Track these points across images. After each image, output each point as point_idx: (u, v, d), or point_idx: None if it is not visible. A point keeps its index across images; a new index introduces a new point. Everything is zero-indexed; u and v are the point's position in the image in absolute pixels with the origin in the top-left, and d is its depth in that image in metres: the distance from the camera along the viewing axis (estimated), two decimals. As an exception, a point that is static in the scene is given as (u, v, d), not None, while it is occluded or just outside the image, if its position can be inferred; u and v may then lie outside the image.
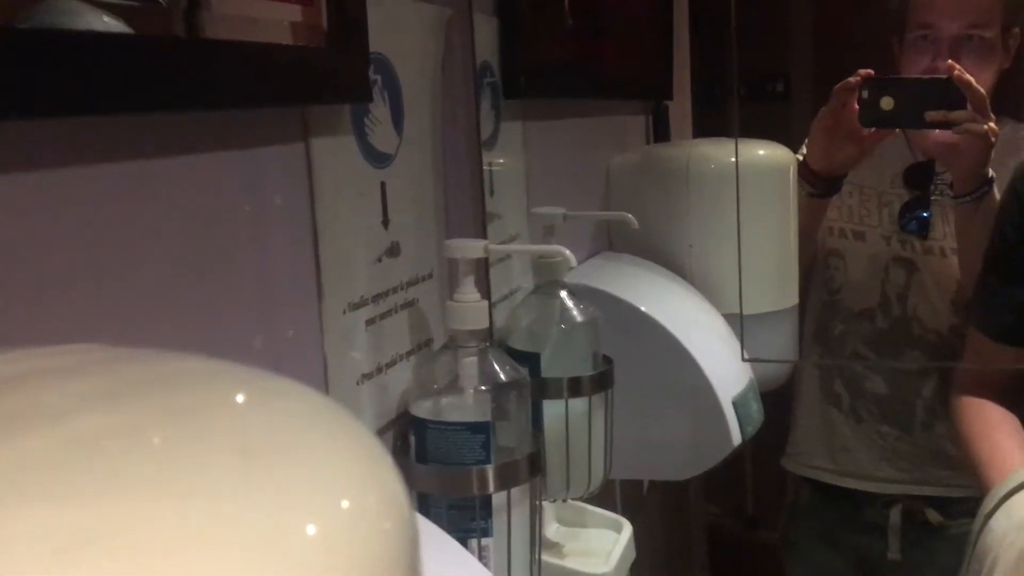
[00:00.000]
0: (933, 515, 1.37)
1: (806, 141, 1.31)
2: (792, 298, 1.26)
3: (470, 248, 0.71)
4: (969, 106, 1.18)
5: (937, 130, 1.22)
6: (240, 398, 0.24)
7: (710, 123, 2.00)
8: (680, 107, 1.65)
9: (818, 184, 1.29)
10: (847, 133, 1.26)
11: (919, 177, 1.35)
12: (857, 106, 1.24)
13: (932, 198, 1.34)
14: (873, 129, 1.25)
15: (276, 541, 0.19)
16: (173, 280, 0.50)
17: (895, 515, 1.38)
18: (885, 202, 1.37)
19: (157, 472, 0.19)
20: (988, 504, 0.71)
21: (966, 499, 1.21)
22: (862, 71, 1.25)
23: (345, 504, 0.22)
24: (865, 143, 1.27)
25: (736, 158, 1.08)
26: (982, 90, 1.19)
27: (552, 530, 0.97)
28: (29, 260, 0.42)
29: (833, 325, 1.40)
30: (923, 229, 1.34)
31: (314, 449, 0.23)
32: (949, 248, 1.34)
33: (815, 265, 1.41)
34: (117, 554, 0.17)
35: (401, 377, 0.74)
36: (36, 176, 0.42)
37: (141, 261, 0.48)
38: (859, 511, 1.41)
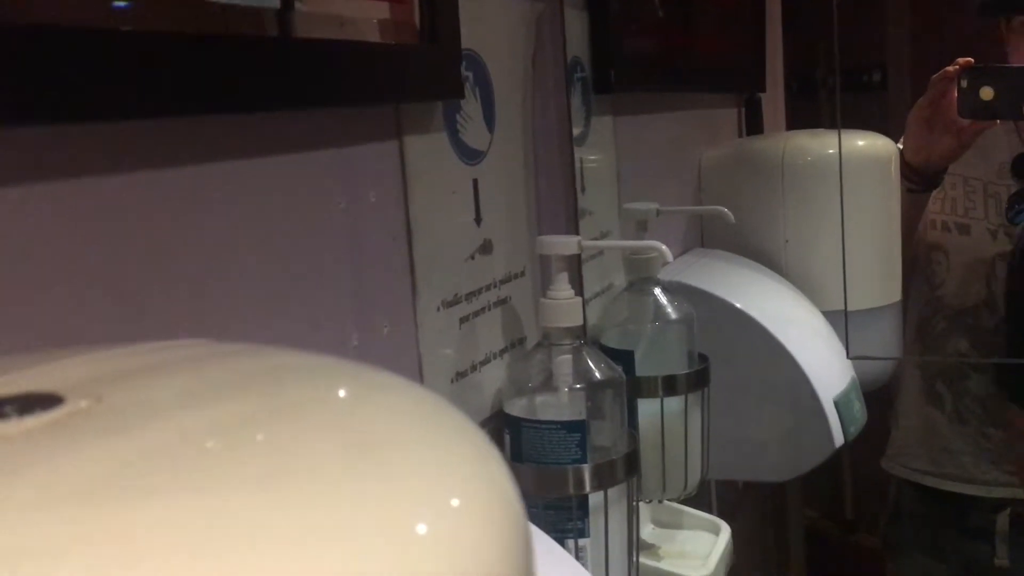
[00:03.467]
0: None
1: (904, 135, 1.26)
2: (895, 294, 1.21)
3: (563, 244, 0.70)
4: None
5: None
6: (345, 393, 0.24)
7: (804, 115, 1.94)
8: (773, 99, 1.61)
9: (916, 178, 1.23)
10: (945, 125, 1.20)
11: None
12: (956, 96, 1.18)
13: None
14: (973, 121, 1.20)
15: (384, 540, 0.19)
16: (270, 279, 0.51)
17: (1003, 520, 1.31)
18: (991, 193, 1.30)
19: (263, 469, 0.19)
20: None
21: None
22: (961, 60, 1.20)
23: (455, 502, 0.21)
24: (964, 135, 1.21)
25: (839, 148, 1.04)
26: None
27: (648, 531, 0.95)
28: (132, 260, 0.42)
29: (935, 322, 1.34)
30: None
31: (421, 445, 0.22)
32: None
33: (916, 260, 1.35)
34: (224, 551, 0.16)
35: (495, 376, 0.73)
36: (136, 176, 0.43)
37: (239, 261, 0.49)
38: (964, 515, 1.35)
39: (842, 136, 1.17)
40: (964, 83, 1.17)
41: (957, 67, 1.19)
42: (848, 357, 0.90)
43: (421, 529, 0.19)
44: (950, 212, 1.32)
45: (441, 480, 0.21)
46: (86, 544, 0.15)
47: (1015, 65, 1.21)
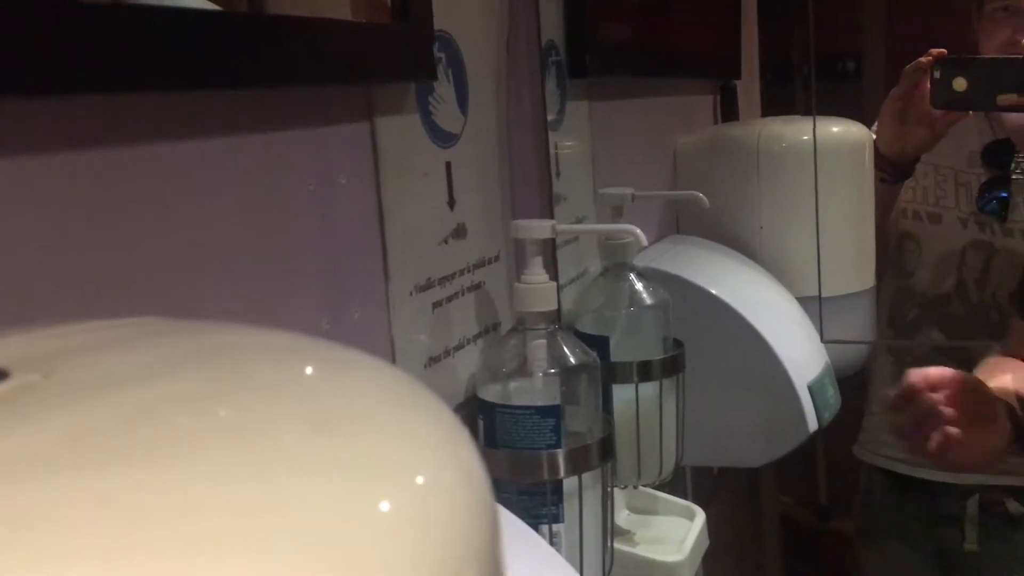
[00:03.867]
0: (1014, 505, 1.31)
1: (875, 125, 1.27)
2: (869, 280, 1.21)
3: (538, 228, 0.70)
4: None
5: (1017, 114, 1.17)
6: (310, 369, 0.23)
7: (779, 103, 1.95)
8: (748, 86, 1.61)
9: (889, 169, 1.24)
10: (918, 116, 1.21)
11: (998, 155, 1.29)
12: (928, 87, 1.19)
13: (1013, 177, 1.28)
14: (946, 111, 1.20)
15: (346, 518, 0.18)
16: (238, 259, 0.50)
17: (972, 505, 1.32)
18: (962, 182, 1.31)
19: (219, 443, 0.18)
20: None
21: None
22: (934, 51, 1.20)
23: (420, 480, 0.21)
24: (938, 126, 1.22)
25: (814, 136, 1.04)
26: None
27: (623, 517, 0.95)
28: (93, 238, 0.41)
29: (907, 311, 1.35)
30: (1002, 210, 1.28)
31: (387, 422, 0.22)
32: None
33: (888, 250, 1.35)
34: (182, 524, 0.16)
35: (468, 361, 0.73)
36: (99, 153, 0.42)
37: (205, 241, 0.48)
38: (934, 502, 1.36)
39: (818, 123, 1.18)
40: (937, 74, 1.17)
41: (930, 58, 1.19)
42: (822, 340, 0.90)
43: (384, 507, 0.19)
44: (921, 201, 1.32)
45: (405, 457, 0.21)
46: (27, 518, 0.15)
47: (988, 56, 1.22)
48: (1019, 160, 1.27)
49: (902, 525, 1.40)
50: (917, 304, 1.34)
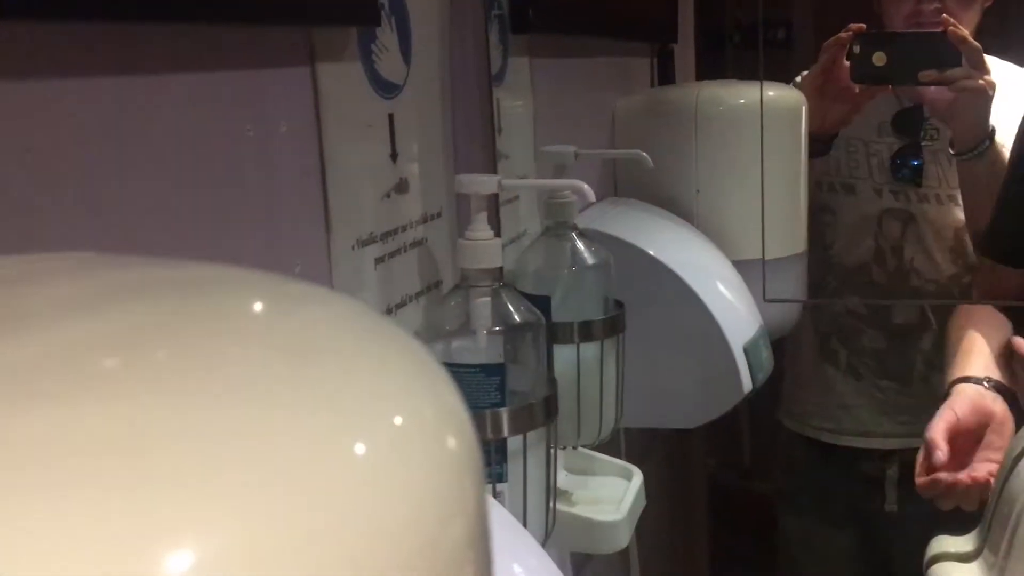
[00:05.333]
0: None
1: None
2: (801, 244, 1.23)
3: (483, 183, 0.68)
4: (964, 61, 1.15)
5: (933, 87, 1.19)
6: (268, 301, 0.21)
7: (713, 69, 1.96)
8: (684, 51, 1.61)
9: (811, 144, 1.25)
10: (839, 91, 1.23)
11: (908, 124, 1.31)
12: (848, 62, 1.20)
13: (924, 144, 1.31)
14: (865, 86, 1.22)
15: (316, 462, 0.17)
16: (171, 205, 0.47)
17: (893, 469, 1.37)
18: (873, 152, 1.33)
19: (170, 379, 0.16)
20: (1016, 446, 0.69)
21: None
22: (853, 26, 1.22)
23: (398, 420, 0.19)
24: (858, 100, 1.24)
25: (761, 99, 1.05)
26: (977, 44, 1.15)
27: (561, 478, 0.94)
28: (22, 168, 0.38)
29: (828, 281, 1.37)
30: (916, 177, 1.31)
31: (359, 358, 0.20)
32: (945, 195, 1.31)
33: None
34: (129, 458, 0.14)
35: (412, 319, 0.71)
36: (30, 84, 0.39)
37: (139, 181, 0.45)
38: (856, 466, 1.40)
39: (752, 87, 1.18)
40: (857, 49, 1.19)
41: (849, 33, 1.20)
42: (764, 299, 0.91)
43: (359, 449, 0.17)
44: (835, 173, 1.34)
45: (381, 396, 0.19)
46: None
47: (907, 31, 1.24)
48: (927, 127, 1.30)
49: (823, 487, 1.44)
50: (836, 275, 1.36)
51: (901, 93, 1.30)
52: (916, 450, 1.37)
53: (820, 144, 1.28)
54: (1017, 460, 0.68)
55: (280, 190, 0.56)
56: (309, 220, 0.59)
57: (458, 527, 0.18)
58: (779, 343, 1.41)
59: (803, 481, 1.48)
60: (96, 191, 0.42)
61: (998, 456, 0.90)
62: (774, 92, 1.21)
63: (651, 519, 1.44)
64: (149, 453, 0.15)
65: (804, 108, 1.21)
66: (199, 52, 0.49)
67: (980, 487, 0.92)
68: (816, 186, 1.34)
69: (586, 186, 0.71)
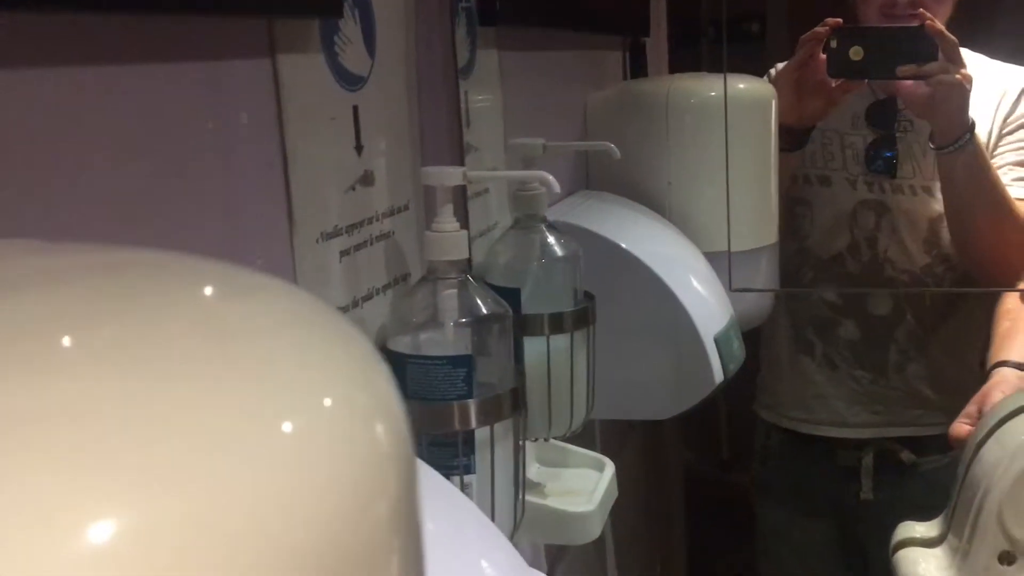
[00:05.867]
0: (907, 455, 1.37)
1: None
2: (772, 235, 1.24)
3: (448, 175, 0.68)
4: (941, 55, 1.16)
5: (910, 82, 1.20)
6: (212, 286, 0.21)
7: (685, 63, 1.96)
8: (656, 44, 1.61)
9: (787, 138, 1.26)
10: (815, 85, 1.23)
11: (882, 116, 1.32)
12: (824, 56, 1.21)
13: (897, 135, 1.32)
14: (842, 80, 1.23)
15: (244, 438, 0.17)
16: (129, 198, 0.47)
17: (868, 458, 1.38)
18: (848, 144, 1.34)
19: (104, 354, 0.16)
20: (979, 433, 0.70)
21: (938, 436, 1.21)
22: (830, 20, 1.23)
23: (327, 402, 0.19)
24: (834, 94, 1.25)
25: (725, 92, 1.05)
26: (954, 38, 1.16)
27: (533, 470, 0.95)
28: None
29: (803, 273, 1.38)
30: (890, 169, 1.32)
31: (292, 341, 0.20)
32: (919, 186, 1.32)
33: (781, 214, 1.38)
34: (52, 436, 0.14)
35: (378, 312, 0.71)
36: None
37: (95, 173, 0.44)
38: (832, 455, 1.41)
39: (722, 80, 1.19)
40: (833, 43, 1.20)
41: (826, 28, 1.21)
42: (731, 289, 0.92)
43: (286, 427, 0.17)
44: (810, 165, 1.35)
45: (312, 377, 0.19)
46: None
47: (882, 25, 1.25)
48: (901, 119, 1.31)
49: (800, 477, 1.45)
50: (812, 266, 1.37)
51: (876, 86, 1.31)
52: (891, 439, 1.39)
53: (796, 138, 1.29)
54: (979, 446, 0.68)
55: (241, 182, 0.55)
56: (271, 213, 0.58)
57: (380, 511, 0.18)
58: (755, 334, 1.42)
59: (780, 471, 1.49)
60: (52, 183, 0.42)
61: None
62: (744, 85, 1.22)
63: (627, 511, 1.44)
64: (75, 427, 0.15)
65: (774, 101, 1.21)
66: (157, 42, 0.48)
67: None
68: (791, 179, 1.34)
69: (551, 177, 0.71)
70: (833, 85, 1.24)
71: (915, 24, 1.18)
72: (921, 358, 1.35)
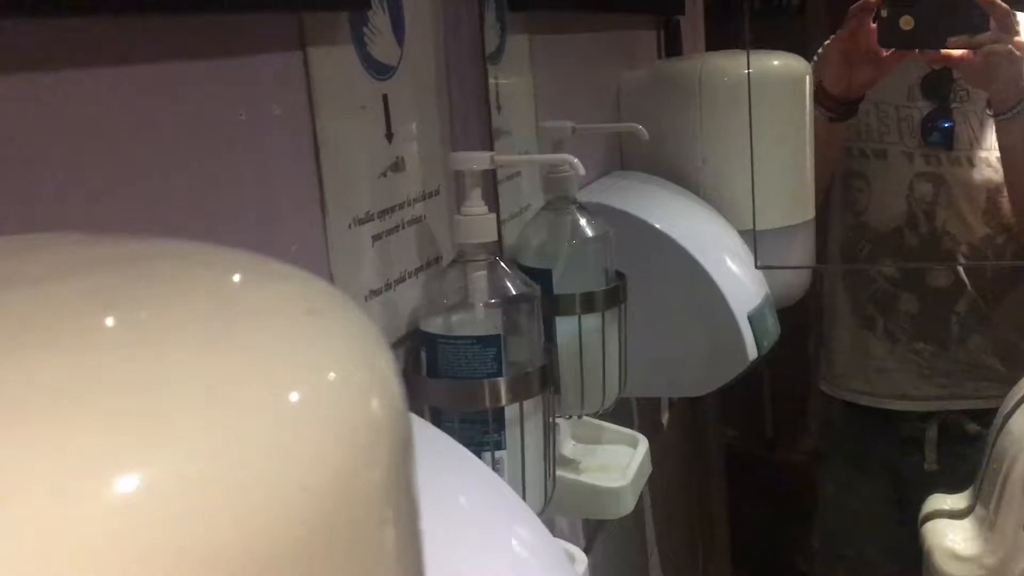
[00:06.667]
0: (972, 427, 1.36)
1: (815, 59, 1.28)
2: (807, 212, 1.24)
3: (476, 159, 0.70)
4: (993, 24, 1.15)
5: (964, 51, 1.18)
6: (227, 270, 0.23)
7: (724, 39, 1.95)
8: (692, 22, 1.61)
9: (836, 108, 1.25)
10: (865, 54, 1.23)
11: (937, 87, 1.31)
12: (875, 26, 1.20)
13: (953, 107, 1.31)
14: (892, 50, 1.22)
15: (254, 405, 0.19)
16: (169, 189, 0.49)
17: (932, 429, 1.37)
18: (903, 116, 1.33)
19: (131, 331, 0.18)
20: (1007, 404, 0.70)
21: None
22: None
23: (331, 376, 0.21)
24: (884, 64, 1.24)
25: (748, 68, 1.05)
26: (1005, 6, 1.15)
27: (569, 447, 0.97)
28: (22, 156, 0.41)
29: (861, 246, 1.38)
30: (947, 140, 1.31)
31: (303, 323, 0.22)
32: (977, 157, 1.30)
33: (834, 187, 1.38)
34: (78, 400, 0.16)
35: (411, 294, 0.73)
36: (31, 76, 0.41)
37: (136, 170, 0.47)
38: (895, 428, 1.40)
39: (757, 56, 1.18)
40: (884, 13, 1.19)
41: None
42: (756, 267, 0.92)
43: (293, 397, 0.19)
44: (866, 139, 1.34)
45: (320, 354, 0.21)
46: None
47: None
48: (958, 90, 1.30)
49: (862, 449, 1.44)
50: (869, 239, 1.37)
51: (930, 56, 1.30)
52: (954, 412, 1.37)
53: (846, 108, 1.28)
54: (1007, 417, 0.69)
55: (274, 172, 0.58)
56: (304, 200, 0.61)
57: (373, 477, 0.20)
58: (818, 310, 1.43)
59: (841, 443, 1.49)
60: (92, 179, 0.45)
61: None
62: (779, 61, 1.22)
63: (666, 488, 1.46)
64: (103, 394, 0.17)
65: (808, 77, 1.21)
66: (190, 40, 0.51)
67: None
68: (846, 152, 1.34)
69: (576, 160, 0.72)
70: (883, 55, 1.23)
71: None
72: (984, 329, 1.34)
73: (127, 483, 0.16)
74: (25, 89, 0.41)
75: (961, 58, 1.21)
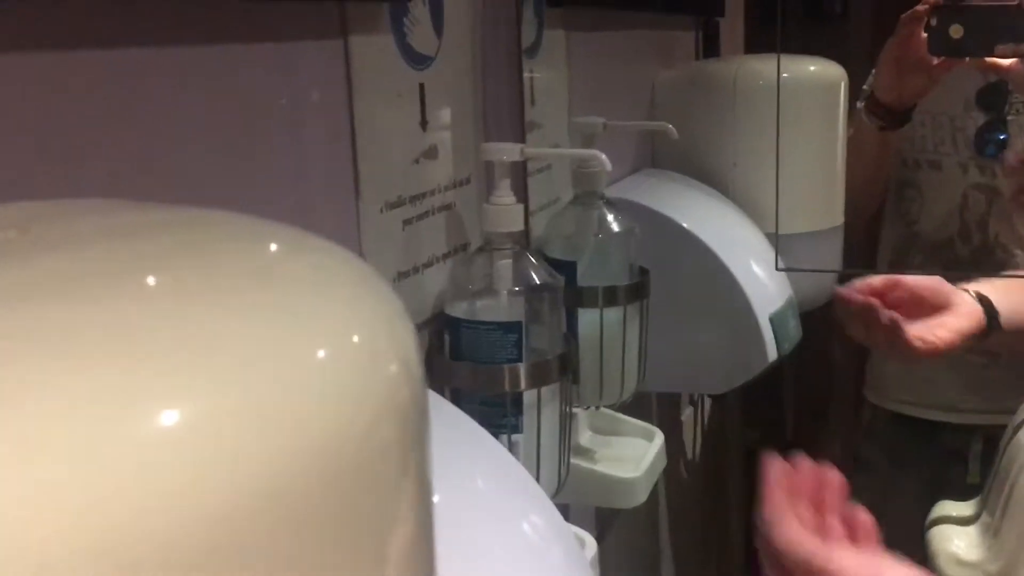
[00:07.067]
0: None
1: (873, 73, 1.28)
2: (836, 218, 1.24)
3: (506, 151, 0.72)
4: None
5: (1016, 61, 1.18)
6: (263, 239, 0.25)
7: (765, 42, 1.95)
8: (732, 24, 1.61)
9: (888, 117, 1.26)
10: (916, 63, 1.23)
11: (993, 98, 1.31)
12: (925, 35, 1.21)
13: (1009, 119, 1.30)
14: (943, 58, 1.22)
15: (285, 357, 0.21)
16: (208, 168, 0.52)
17: (977, 443, 1.37)
18: (959, 127, 1.33)
19: (173, 290, 0.21)
20: (1020, 415, 0.71)
21: None
22: None
23: (356, 338, 0.23)
24: (934, 73, 1.24)
25: (779, 73, 1.06)
26: None
27: (586, 438, 0.99)
28: (73, 133, 0.43)
29: (912, 256, 1.37)
30: (1002, 152, 1.30)
31: (330, 288, 0.24)
32: None
33: (887, 197, 1.38)
34: (130, 346, 0.18)
35: (438, 278, 0.75)
36: (82, 54, 0.44)
37: (175, 147, 0.50)
38: (939, 438, 1.40)
39: (794, 61, 1.19)
40: (933, 21, 1.19)
41: (927, 6, 1.21)
42: (777, 269, 0.94)
43: (320, 353, 0.22)
44: (920, 150, 1.34)
45: (345, 318, 0.23)
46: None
47: (983, 3, 1.23)
48: (1014, 101, 1.29)
49: (903, 459, 1.44)
50: (920, 249, 1.37)
51: (985, 67, 1.30)
52: (1002, 426, 1.36)
53: (898, 116, 1.28)
54: (1017, 428, 0.70)
55: (311, 155, 0.60)
56: (339, 183, 0.63)
57: (390, 430, 0.22)
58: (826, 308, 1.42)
59: (882, 451, 1.48)
60: (137, 157, 0.47)
61: (939, 332, 0.91)
62: (815, 67, 1.22)
63: (681, 483, 1.47)
64: (148, 340, 0.19)
65: (844, 84, 1.21)
66: (236, 25, 0.53)
67: (886, 330, 0.91)
68: (900, 162, 1.34)
69: (603, 156, 0.74)
70: (934, 63, 1.23)
71: (1014, 2, 1.16)
72: None
73: (171, 415, 0.18)
74: (82, 65, 0.44)
75: (1010, 67, 1.21)
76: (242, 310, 0.21)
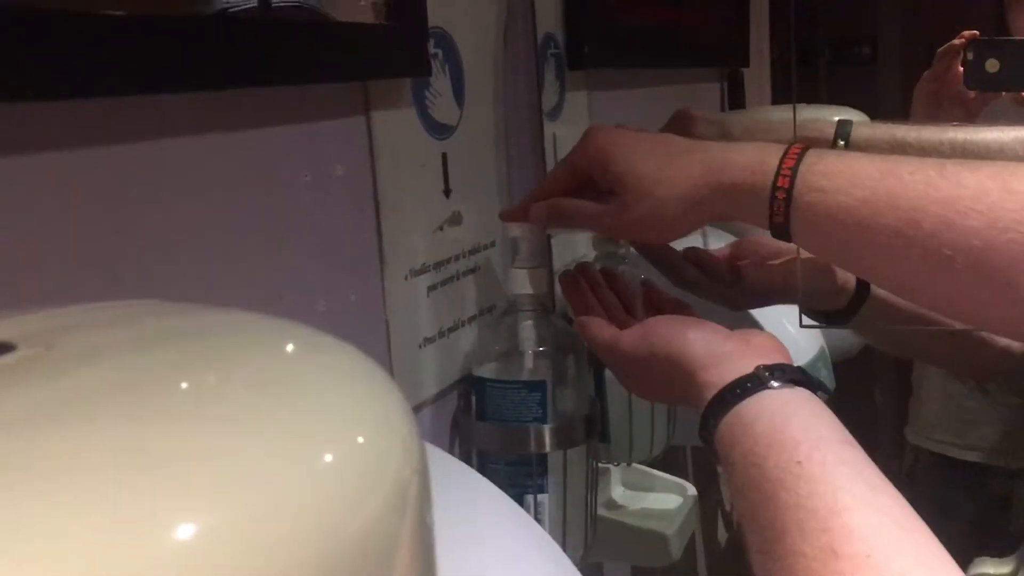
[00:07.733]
0: None
1: (912, 108, 1.29)
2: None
3: (531, 230, 0.72)
4: None
5: None
6: (275, 346, 0.27)
7: (799, 89, 1.96)
8: (758, 73, 1.63)
9: None
10: (953, 97, 1.23)
11: None
12: (961, 69, 1.21)
13: None
14: (979, 92, 1.22)
15: (292, 466, 0.22)
16: (239, 247, 0.54)
17: (1021, 486, 1.34)
18: None
19: (185, 405, 0.22)
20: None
21: None
22: (966, 32, 1.23)
23: (360, 440, 0.24)
24: (971, 107, 1.24)
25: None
26: None
27: (618, 493, 0.99)
28: (105, 230, 0.46)
29: None
30: None
31: (335, 391, 0.26)
32: None
33: None
34: (149, 466, 0.20)
35: (464, 341, 0.77)
36: (110, 149, 0.46)
37: (207, 231, 0.52)
38: (982, 481, 1.38)
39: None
40: (970, 55, 1.20)
41: (963, 40, 1.22)
42: (800, 326, 0.94)
43: (328, 458, 0.23)
44: None
45: (348, 421, 0.25)
46: (14, 461, 0.19)
47: (1020, 38, 1.24)
48: None
49: (946, 499, 1.41)
50: None
51: (1014, 99, 1.30)
52: None
53: None
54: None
55: (336, 226, 0.62)
56: (364, 253, 0.65)
57: (393, 527, 0.23)
58: (863, 357, 1.42)
59: (925, 493, 1.46)
60: (172, 239, 0.50)
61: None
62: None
63: (722, 540, 1.45)
64: (155, 459, 0.21)
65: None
66: (265, 111, 0.56)
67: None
68: None
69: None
70: (971, 97, 1.24)
71: None
72: None
73: (183, 530, 0.19)
74: (112, 158, 0.46)
75: None
76: (250, 422, 0.22)
